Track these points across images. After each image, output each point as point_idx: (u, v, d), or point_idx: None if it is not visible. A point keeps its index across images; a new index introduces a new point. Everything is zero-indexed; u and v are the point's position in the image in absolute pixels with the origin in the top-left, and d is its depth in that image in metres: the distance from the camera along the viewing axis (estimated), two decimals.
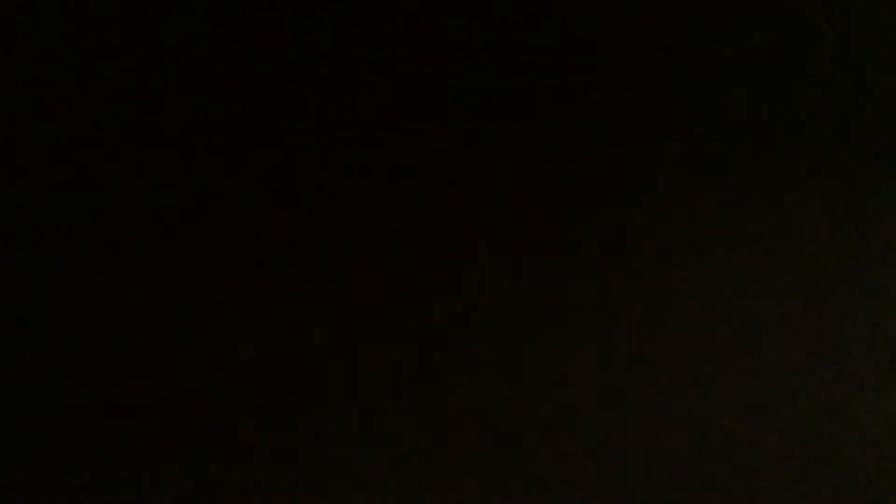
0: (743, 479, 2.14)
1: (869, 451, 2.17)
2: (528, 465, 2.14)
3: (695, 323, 2.28)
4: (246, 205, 2.36)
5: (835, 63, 2.51)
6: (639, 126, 2.46)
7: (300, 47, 2.52)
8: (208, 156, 2.41)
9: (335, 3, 2.54)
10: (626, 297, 2.30)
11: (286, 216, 2.35)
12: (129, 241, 2.32)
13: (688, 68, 2.52)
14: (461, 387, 2.20)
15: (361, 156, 2.42)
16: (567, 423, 2.18)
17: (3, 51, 2.48)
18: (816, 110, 2.49)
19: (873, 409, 2.20)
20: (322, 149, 2.43)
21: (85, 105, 2.45)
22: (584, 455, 2.15)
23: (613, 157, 2.44)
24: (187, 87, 2.48)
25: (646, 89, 2.50)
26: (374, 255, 2.33)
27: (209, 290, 2.26)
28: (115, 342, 2.21)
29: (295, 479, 2.09)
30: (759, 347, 2.26)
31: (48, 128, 2.42)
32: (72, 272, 2.27)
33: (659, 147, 2.44)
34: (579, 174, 2.42)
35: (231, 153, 2.42)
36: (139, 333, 2.22)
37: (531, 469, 2.14)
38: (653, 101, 2.49)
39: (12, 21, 2.50)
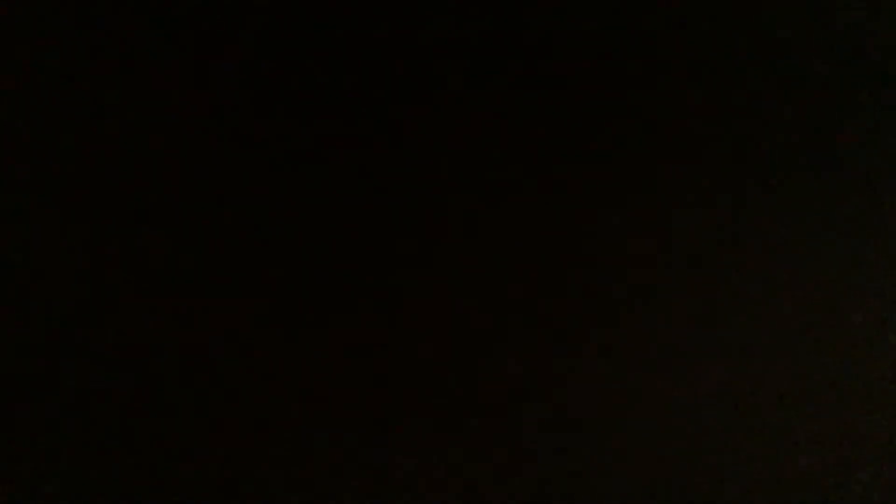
0: (744, 479, 2.14)
1: (873, 454, 2.17)
2: (527, 464, 2.15)
3: (693, 324, 2.28)
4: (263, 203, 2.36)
5: (835, 65, 2.52)
6: (637, 126, 2.46)
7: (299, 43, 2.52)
8: (207, 152, 2.41)
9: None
10: (626, 298, 2.30)
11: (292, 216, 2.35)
12: (131, 240, 2.31)
13: (687, 68, 2.52)
14: (461, 386, 2.20)
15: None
16: (567, 423, 2.18)
17: (2, 50, 2.48)
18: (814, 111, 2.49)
19: (878, 411, 2.21)
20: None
21: (83, 103, 2.45)
22: (585, 454, 2.15)
23: (611, 157, 2.44)
24: (185, 84, 2.47)
25: (644, 89, 2.50)
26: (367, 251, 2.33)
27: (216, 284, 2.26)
28: (115, 341, 2.21)
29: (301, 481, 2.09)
30: (760, 347, 2.27)
31: (47, 127, 2.42)
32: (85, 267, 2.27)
33: (658, 148, 2.45)
34: (581, 174, 2.42)
35: (230, 151, 2.42)
36: (142, 332, 2.21)
37: (531, 468, 2.14)
38: (652, 101, 2.49)
39: (12, 21, 2.49)
